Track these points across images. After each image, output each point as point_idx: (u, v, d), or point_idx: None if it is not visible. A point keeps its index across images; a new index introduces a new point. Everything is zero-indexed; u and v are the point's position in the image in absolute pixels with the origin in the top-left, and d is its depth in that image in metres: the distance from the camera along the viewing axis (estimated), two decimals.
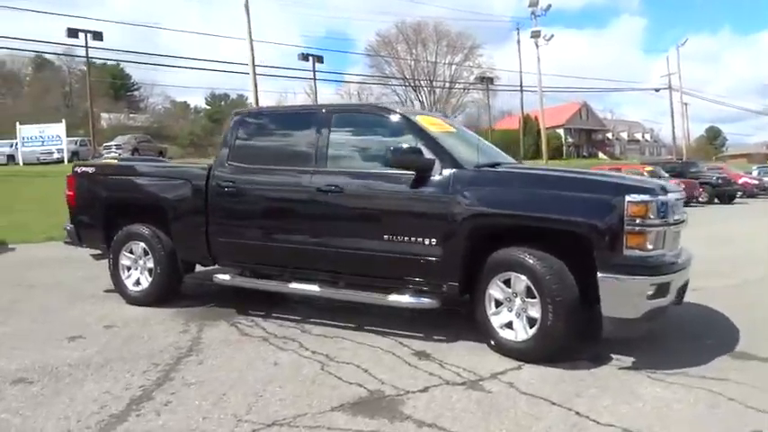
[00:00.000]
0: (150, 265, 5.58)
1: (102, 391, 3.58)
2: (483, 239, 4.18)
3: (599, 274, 3.80)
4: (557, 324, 3.84)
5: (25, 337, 4.74)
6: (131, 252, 5.69)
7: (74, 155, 33.23)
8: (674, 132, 55.74)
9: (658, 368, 3.88)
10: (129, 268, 5.73)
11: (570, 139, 67.15)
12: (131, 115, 64.40)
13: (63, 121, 33.50)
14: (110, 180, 5.90)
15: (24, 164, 31.37)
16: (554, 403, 3.37)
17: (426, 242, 4.29)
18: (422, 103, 74.68)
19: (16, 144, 32.59)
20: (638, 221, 3.78)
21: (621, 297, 3.79)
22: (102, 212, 5.85)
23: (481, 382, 3.69)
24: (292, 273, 5.02)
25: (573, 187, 4.06)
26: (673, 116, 54.03)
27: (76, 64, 73.24)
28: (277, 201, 5.05)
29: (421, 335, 4.63)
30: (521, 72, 49.62)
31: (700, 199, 23.32)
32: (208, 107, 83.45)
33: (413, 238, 4.34)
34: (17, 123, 32.76)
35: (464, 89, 71.12)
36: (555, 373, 3.81)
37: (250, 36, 19.21)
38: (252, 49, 19.57)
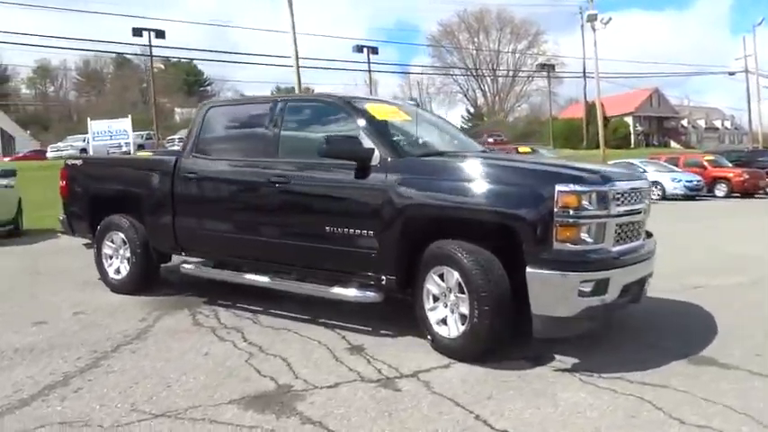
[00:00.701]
0: (128, 254, 5.72)
1: (26, 375, 3.70)
2: (419, 232, 4.01)
3: (527, 269, 3.57)
4: (483, 321, 3.64)
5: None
6: (112, 242, 5.87)
7: (140, 147, 34.92)
8: (750, 118, 52.04)
9: (600, 371, 3.61)
10: (110, 257, 5.91)
11: (639, 128, 64.18)
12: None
13: (129, 116, 35.16)
14: (93, 172, 6.10)
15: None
16: (458, 404, 3.19)
17: (365, 234, 4.17)
18: (484, 92, 73.33)
19: (89, 138, 34.54)
20: (569, 213, 3.51)
21: (550, 294, 3.54)
22: (87, 203, 6.07)
23: (397, 380, 3.55)
24: (249, 264, 5.02)
25: (503, 177, 3.82)
26: (749, 101, 50.46)
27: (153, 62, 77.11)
28: (234, 192, 5.06)
29: (369, 329, 4.52)
30: (584, 58, 47.86)
31: (767, 189, 21.69)
32: None
33: (352, 230, 4.23)
34: (89, 119, 34.74)
35: (528, 77, 69.34)
36: (480, 373, 3.62)
37: (293, 29, 19.49)
38: (295, 43, 19.86)
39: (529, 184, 3.66)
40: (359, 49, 38.69)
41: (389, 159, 4.14)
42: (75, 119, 60.46)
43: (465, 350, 3.78)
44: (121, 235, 5.77)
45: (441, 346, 3.92)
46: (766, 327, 4.53)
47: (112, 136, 34.18)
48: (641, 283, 3.98)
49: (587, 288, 3.53)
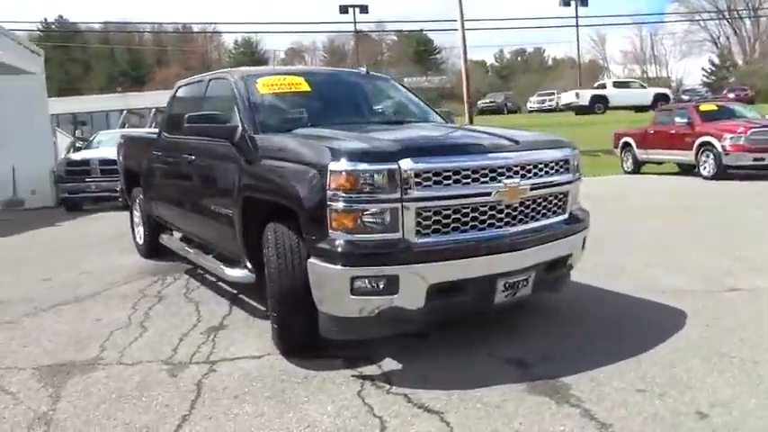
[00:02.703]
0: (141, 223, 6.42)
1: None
2: (256, 212, 3.75)
3: (308, 260, 3.14)
4: (273, 313, 3.33)
5: (21, 277, 6.04)
6: (136, 211, 6.61)
7: None
8: None
9: (404, 383, 3.05)
10: (137, 225, 6.67)
11: None
12: (428, 78, 69.02)
13: None
14: (125, 149, 6.88)
15: None
16: (200, 396, 3.00)
17: (227, 214, 4.06)
18: (740, 38, 62.35)
19: None
20: (343, 196, 2.97)
21: (326, 289, 3.07)
22: (123, 177, 6.90)
23: (187, 366, 3.45)
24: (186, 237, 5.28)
25: (299, 154, 3.33)
26: None
27: (386, 35, 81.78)
28: (169, 168, 5.30)
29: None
30: None
31: None
32: (497, 63, 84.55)
33: (220, 209, 4.16)
34: None
35: None
36: (271, 368, 3.35)
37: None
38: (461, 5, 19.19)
39: (310, 163, 3.16)
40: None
41: (247, 136, 3.93)
42: None
43: (277, 342, 3.50)
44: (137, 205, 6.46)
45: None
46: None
47: None
48: (491, 281, 3.19)
49: (365, 285, 2.97)
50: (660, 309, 4.12)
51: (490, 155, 3.21)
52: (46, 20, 69.10)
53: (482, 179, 3.13)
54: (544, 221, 3.46)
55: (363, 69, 5.09)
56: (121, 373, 3.40)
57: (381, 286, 2.97)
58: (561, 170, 3.56)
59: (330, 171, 2.99)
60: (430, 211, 3.03)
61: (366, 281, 2.96)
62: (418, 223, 3.01)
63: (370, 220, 2.97)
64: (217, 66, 79.68)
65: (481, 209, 3.16)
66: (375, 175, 2.95)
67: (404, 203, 2.96)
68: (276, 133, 3.88)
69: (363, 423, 2.69)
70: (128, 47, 73.08)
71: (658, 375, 3.04)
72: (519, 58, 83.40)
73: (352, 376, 3.20)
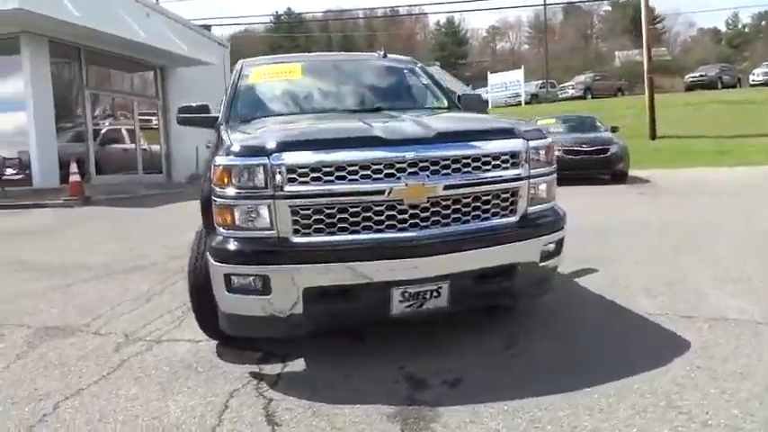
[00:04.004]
0: None
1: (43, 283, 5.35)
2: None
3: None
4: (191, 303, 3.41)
5: (122, 245, 6.97)
6: None
7: (533, 97, 36.10)
8: None
9: (299, 393, 2.91)
10: None
11: None
12: (640, 51, 62.97)
13: (522, 67, 36.45)
14: None
15: (493, 107, 35.77)
16: (102, 377, 3.22)
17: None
18: None
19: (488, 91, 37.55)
20: (219, 191, 2.91)
21: (213, 286, 3.04)
22: None
23: (132, 345, 3.70)
24: None
25: (216, 145, 3.31)
26: None
27: (598, 7, 76.32)
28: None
29: None
30: None
31: None
32: (729, 30, 74.02)
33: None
34: (488, 73, 37.66)
35: None
36: (191, 353, 3.44)
37: None
38: None
39: (212, 156, 3.13)
40: None
41: (221, 126, 4.01)
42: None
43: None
44: None
45: None
46: None
47: (507, 87, 36.22)
48: (384, 289, 2.87)
49: (240, 283, 2.88)
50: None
51: (386, 148, 2.85)
52: (277, 12, 77.28)
53: (374, 176, 2.81)
54: (475, 224, 3.00)
55: (381, 53, 4.86)
56: (84, 342, 3.76)
57: (254, 286, 2.85)
58: (504, 165, 3.03)
59: (213, 165, 2.94)
60: (309, 209, 2.82)
61: (241, 279, 2.87)
62: (296, 222, 2.82)
63: (244, 216, 2.86)
64: (420, 47, 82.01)
65: (375, 208, 2.84)
66: (246, 171, 2.83)
67: (276, 200, 2.80)
68: (246, 123, 3.90)
69: (200, 423, 2.64)
70: (343, 33, 78.71)
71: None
72: (764, 22, 71.84)
73: (250, 373, 3.14)
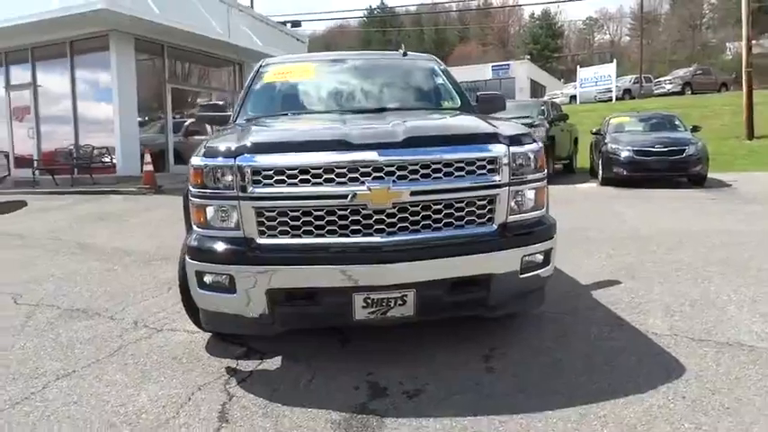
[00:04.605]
0: None
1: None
2: None
3: None
4: None
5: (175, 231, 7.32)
6: None
7: (626, 92, 34.31)
8: None
9: (260, 392, 3.01)
10: None
11: None
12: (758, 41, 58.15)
13: (614, 60, 34.66)
14: None
15: (581, 102, 34.41)
16: (98, 360, 3.44)
17: None
18: None
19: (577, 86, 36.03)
20: (192, 191, 3.01)
21: (189, 282, 3.14)
22: None
23: (144, 328, 3.90)
24: None
25: None
26: None
27: None
28: None
29: None
30: None
31: None
32: None
33: None
34: (578, 67, 36.13)
35: None
36: (184, 344, 3.59)
37: None
38: None
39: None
40: None
41: (232, 125, 4.13)
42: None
43: None
44: None
45: None
46: None
47: (597, 82, 34.60)
48: (346, 294, 2.85)
49: (208, 281, 2.96)
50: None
51: (350, 152, 2.81)
52: (370, 7, 78.24)
53: (338, 179, 2.79)
54: (446, 232, 2.91)
55: (401, 51, 4.80)
56: (97, 325, 4.01)
57: (220, 284, 2.91)
58: (480, 172, 2.91)
59: (189, 166, 3.04)
60: (273, 212, 2.84)
61: (210, 277, 2.94)
62: (261, 223, 2.86)
63: (214, 216, 2.94)
64: (512, 40, 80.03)
65: (339, 212, 2.82)
66: (214, 172, 2.89)
67: (241, 201, 2.84)
68: (248, 122, 3.99)
69: (159, 414, 2.74)
70: (435, 27, 78.46)
71: None
72: None
73: (227, 368, 3.23)
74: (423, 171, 2.83)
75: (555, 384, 2.87)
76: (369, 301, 2.86)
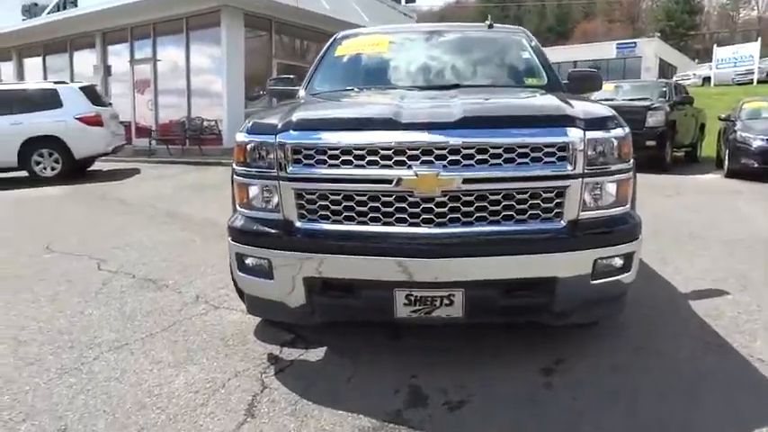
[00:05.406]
0: None
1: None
2: None
3: None
4: None
5: None
6: None
7: None
8: None
9: (294, 386, 2.88)
10: None
11: None
12: None
13: (759, 39, 31.03)
14: None
15: (715, 85, 31.32)
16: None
17: None
18: None
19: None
20: (236, 169, 2.88)
21: (231, 263, 3.02)
22: None
23: (189, 301, 3.90)
24: None
25: None
26: None
27: None
28: None
29: None
30: None
31: None
32: None
33: None
34: (715, 46, 32.77)
35: None
36: (237, 324, 3.51)
37: None
38: None
39: None
40: None
41: (300, 99, 3.98)
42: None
43: None
44: None
45: None
46: None
47: (737, 63, 31.25)
48: (387, 290, 2.59)
49: (249, 264, 2.82)
50: None
51: (396, 133, 2.52)
52: None
53: (382, 162, 2.51)
54: (504, 227, 2.55)
55: (487, 23, 4.39)
56: (162, 297, 4.06)
57: (259, 269, 2.76)
58: (547, 159, 2.52)
59: (235, 141, 2.90)
60: (313, 194, 2.63)
61: (250, 260, 2.80)
62: (300, 206, 2.65)
63: (255, 196, 2.78)
64: (643, 16, 74.28)
65: (384, 199, 2.55)
66: (254, 148, 2.73)
67: (281, 181, 2.65)
68: (316, 97, 3.81)
69: (190, 399, 2.65)
70: (558, 2, 74.81)
71: None
72: None
73: (269, 354, 3.10)
74: (479, 156, 2.48)
75: (619, 415, 2.44)
76: (412, 298, 2.58)
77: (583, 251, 2.57)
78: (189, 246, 5.56)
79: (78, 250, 5.40)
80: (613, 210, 2.66)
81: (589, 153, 2.54)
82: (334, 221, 2.63)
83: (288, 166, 2.62)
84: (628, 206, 2.72)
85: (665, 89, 12.65)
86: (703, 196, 8.41)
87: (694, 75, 34.33)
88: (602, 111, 2.74)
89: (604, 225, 2.63)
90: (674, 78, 36.50)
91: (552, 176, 2.53)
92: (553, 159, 2.52)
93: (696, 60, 56.13)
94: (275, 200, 2.70)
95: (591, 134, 2.55)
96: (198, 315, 3.70)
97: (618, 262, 2.67)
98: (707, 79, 33.06)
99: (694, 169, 12.08)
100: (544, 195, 2.55)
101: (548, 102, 2.97)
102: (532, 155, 2.50)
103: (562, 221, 2.57)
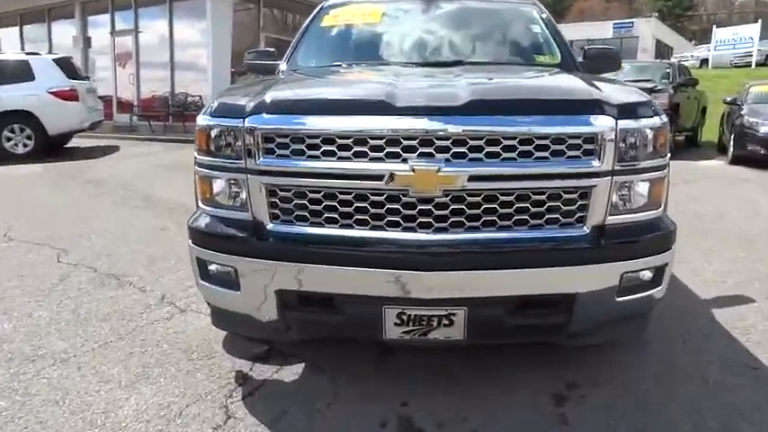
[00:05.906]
0: None
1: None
2: None
3: None
4: None
5: None
6: None
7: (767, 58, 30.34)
8: None
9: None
10: None
11: None
12: None
13: (759, 21, 30.53)
14: None
15: (713, 67, 30.86)
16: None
17: None
18: None
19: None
20: (197, 158, 2.45)
21: (192, 268, 2.57)
22: None
23: (152, 302, 3.47)
24: None
25: None
26: None
27: None
28: None
29: None
30: None
31: None
32: None
33: None
34: (714, 27, 32.23)
35: None
36: (202, 331, 3.09)
37: None
38: None
39: None
40: None
41: (279, 74, 3.51)
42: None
43: None
44: None
45: None
46: None
47: (735, 45, 30.77)
48: (374, 306, 2.17)
49: (213, 271, 2.37)
50: None
51: (390, 118, 2.06)
52: None
53: (372, 153, 2.06)
54: (517, 233, 2.12)
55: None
56: (123, 297, 3.62)
57: (224, 277, 2.32)
58: (570, 153, 2.08)
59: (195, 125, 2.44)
60: (289, 191, 2.18)
61: (214, 266, 2.36)
62: (273, 204, 2.21)
63: (218, 191, 2.33)
64: None
65: (373, 198, 2.11)
66: (219, 134, 2.28)
67: (249, 174, 2.20)
68: (297, 73, 3.34)
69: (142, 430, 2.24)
70: None
71: None
72: None
73: (237, 372, 2.69)
74: (488, 148, 2.04)
75: None
76: (404, 317, 2.16)
77: (609, 263, 2.15)
78: (161, 234, 5.11)
79: (39, 238, 4.93)
80: (645, 213, 2.23)
81: (620, 146, 2.11)
82: (313, 224, 2.18)
83: (258, 157, 2.17)
84: (661, 209, 2.30)
85: (668, 70, 12.19)
86: (710, 185, 8.02)
87: (692, 56, 33.88)
88: (636, 95, 2.30)
89: (635, 232, 2.20)
90: (674, 59, 36.01)
91: (576, 174, 2.09)
92: (578, 153, 2.08)
93: (693, 42, 55.48)
94: (243, 196, 2.25)
95: (624, 123, 2.11)
96: (161, 320, 3.27)
97: (647, 275, 2.25)
98: (704, 61, 32.60)
99: (696, 154, 11.68)
100: (565, 197, 2.12)
101: (571, 83, 2.52)
102: (553, 147, 2.06)
103: (585, 228, 2.14)
